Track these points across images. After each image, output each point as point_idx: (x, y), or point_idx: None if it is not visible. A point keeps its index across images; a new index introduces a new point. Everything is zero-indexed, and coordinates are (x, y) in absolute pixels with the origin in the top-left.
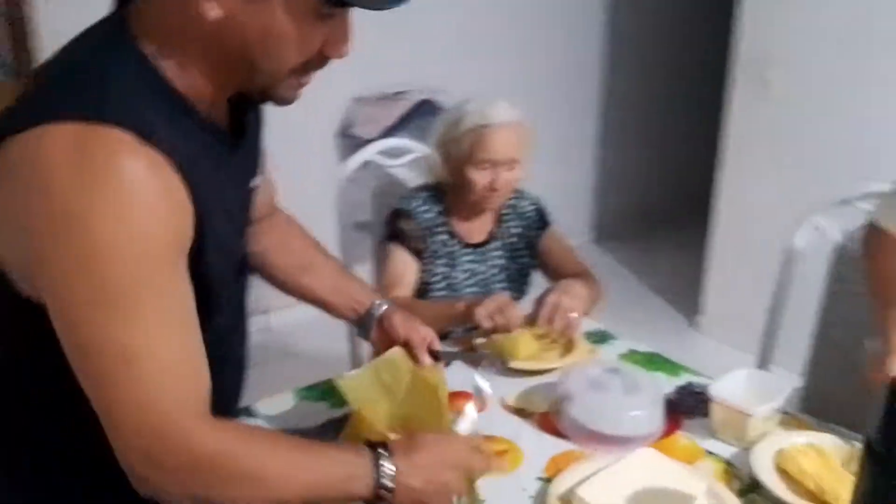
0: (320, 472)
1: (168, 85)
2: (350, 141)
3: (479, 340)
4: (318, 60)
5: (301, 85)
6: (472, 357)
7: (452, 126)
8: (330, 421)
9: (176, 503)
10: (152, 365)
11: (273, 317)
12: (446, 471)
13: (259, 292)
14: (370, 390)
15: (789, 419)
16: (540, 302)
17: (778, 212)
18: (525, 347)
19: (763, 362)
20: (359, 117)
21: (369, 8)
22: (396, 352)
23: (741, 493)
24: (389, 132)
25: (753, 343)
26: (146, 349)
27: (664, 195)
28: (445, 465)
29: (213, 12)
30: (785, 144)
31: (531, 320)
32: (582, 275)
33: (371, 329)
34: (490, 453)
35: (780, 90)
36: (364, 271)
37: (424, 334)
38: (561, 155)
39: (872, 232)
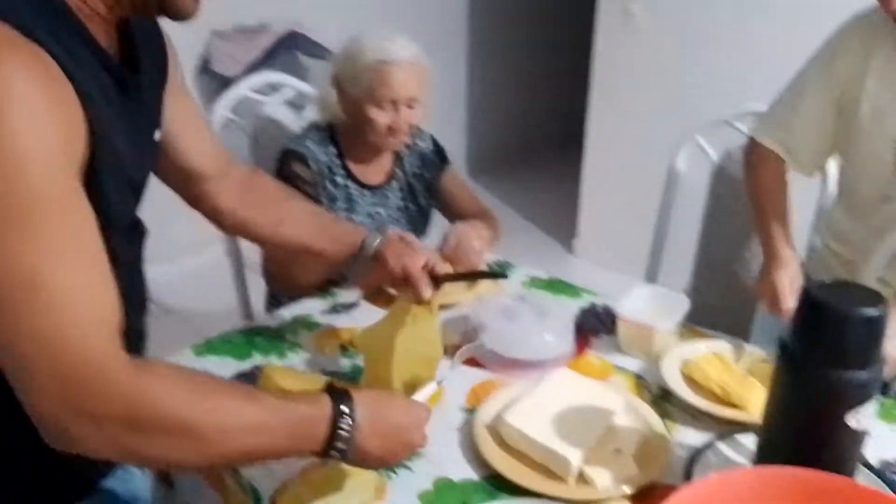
0: (275, 426)
1: None
2: (212, 78)
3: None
4: None
5: None
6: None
7: (350, 62)
8: (240, 374)
9: (102, 457)
10: (64, 291)
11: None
12: (403, 443)
13: None
14: (381, 341)
15: (687, 331)
16: (446, 238)
17: (649, 136)
18: None
19: (650, 280)
20: (218, 53)
21: None
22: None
23: (652, 404)
24: (254, 68)
25: (628, 263)
26: (56, 273)
27: (536, 127)
28: (404, 437)
29: None
30: (651, 73)
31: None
32: (482, 214)
33: (364, 268)
34: None
35: (644, 20)
36: None
37: (422, 263)
38: (432, 91)
39: (753, 146)
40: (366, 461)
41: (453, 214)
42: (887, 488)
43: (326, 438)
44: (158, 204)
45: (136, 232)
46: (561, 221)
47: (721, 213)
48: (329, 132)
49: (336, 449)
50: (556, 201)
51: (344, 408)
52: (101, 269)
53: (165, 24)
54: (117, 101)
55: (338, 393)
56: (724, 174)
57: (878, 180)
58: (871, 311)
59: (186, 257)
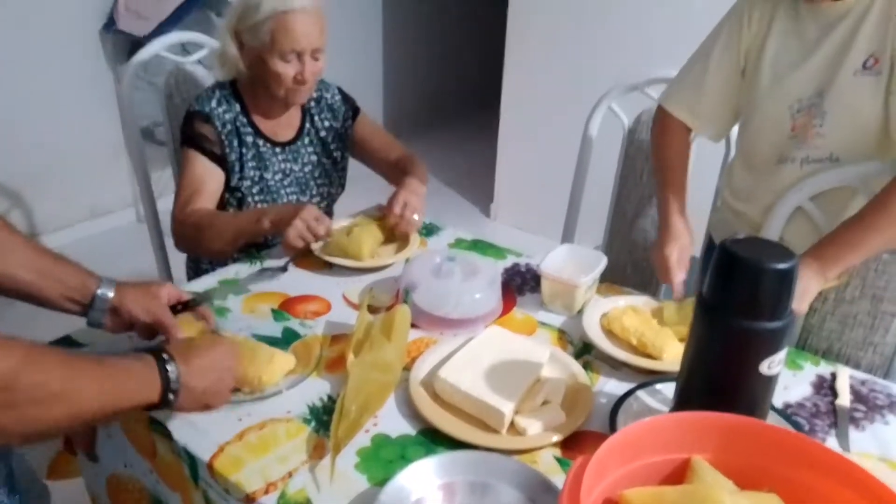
0: (115, 384)
1: None
2: (118, 37)
3: (316, 246)
4: None
5: None
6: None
7: (248, 13)
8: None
9: None
10: None
11: None
12: (220, 371)
13: None
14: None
15: (605, 287)
16: (391, 205)
17: (562, 99)
18: (367, 246)
19: (566, 240)
20: (124, 10)
21: None
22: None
23: (576, 356)
24: (163, 27)
25: (543, 225)
26: None
27: (451, 89)
28: (218, 366)
29: None
30: (563, 39)
31: (380, 219)
32: (407, 158)
33: (103, 318)
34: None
35: None
36: (161, 179)
37: (166, 303)
38: (347, 51)
39: (661, 115)
40: (194, 397)
41: (375, 161)
42: (792, 428)
43: (161, 384)
44: (60, 165)
45: None
46: (478, 185)
47: (632, 174)
48: (232, 89)
49: (171, 391)
50: (474, 165)
51: (165, 356)
52: None
53: None
54: None
55: (156, 349)
56: (635, 137)
57: (777, 141)
58: (782, 265)
59: (96, 222)
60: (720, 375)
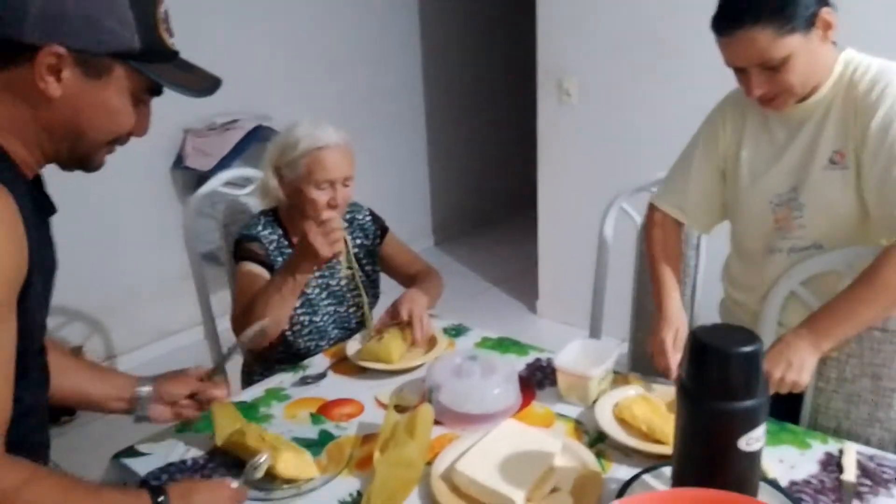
0: None
1: (2, 147)
2: (186, 173)
3: (350, 351)
4: (127, 136)
5: (110, 153)
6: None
7: (287, 150)
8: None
9: None
10: None
11: None
12: None
13: None
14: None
15: (620, 378)
16: (396, 309)
17: (590, 201)
18: (396, 350)
19: (594, 333)
20: (190, 149)
21: (188, 94)
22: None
23: (590, 445)
24: (224, 161)
25: (584, 318)
26: None
27: (492, 197)
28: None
29: (55, 91)
30: (586, 143)
31: (393, 325)
32: (424, 272)
33: (147, 411)
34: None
35: (577, 97)
36: (219, 300)
37: (198, 384)
38: (396, 170)
39: (652, 210)
40: None
41: (399, 275)
42: (790, 502)
43: None
44: (133, 293)
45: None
46: (523, 283)
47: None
48: (274, 216)
49: None
50: (517, 265)
51: (162, 497)
52: (8, 378)
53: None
54: (38, 234)
55: (153, 488)
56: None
57: (763, 235)
58: (747, 349)
59: (167, 342)
60: (704, 455)
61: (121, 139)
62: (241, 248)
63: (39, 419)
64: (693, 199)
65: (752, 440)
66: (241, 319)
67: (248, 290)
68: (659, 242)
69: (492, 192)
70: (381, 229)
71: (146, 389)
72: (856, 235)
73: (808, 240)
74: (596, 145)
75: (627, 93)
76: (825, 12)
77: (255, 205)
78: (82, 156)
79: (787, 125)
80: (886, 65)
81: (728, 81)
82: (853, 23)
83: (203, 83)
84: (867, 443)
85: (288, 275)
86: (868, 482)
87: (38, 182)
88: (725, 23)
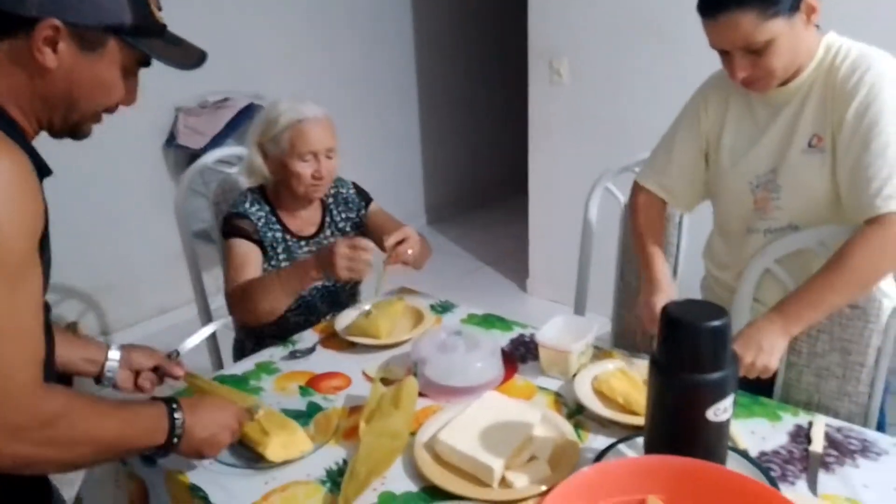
0: (133, 427)
1: (7, 112)
2: (178, 151)
3: (339, 327)
4: (116, 106)
5: (98, 122)
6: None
7: (269, 127)
8: None
9: (33, 470)
10: (11, 331)
11: None
12: (220, 428)
13: None
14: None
15: (600, 353)
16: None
17: (580, 182)
18: (384, 326)
19: (578, 311)
20: (183, 128)
21: (176, 67)
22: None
23: (569, 416)
24: (217, 140)
25: (573, 297)
26: (14, 318)
27: (484, 177)
28: (220, 424)
29: (51, 62)
30: (576, 124)
31: (395, 302)
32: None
33: (116, 375)
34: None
35: (568, 78)
36: (213, 278)
37: (163, 359)
38: (389, 150)
39: (637, 190)
40: (192, 445)
41: (383, 245)
42: (756, 470)
43: (168, 430)
44: (127, 270)
45: None
46: (514, 262)
47: (631, 246)
48: (260, 193)
49: (176, 436)
50: (509, 244)
51: (175, 406)
52: (41, 315)
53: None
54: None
55: (168, 399)
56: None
57: (743, 214)
58: (715, 323)
59: (162, 318)
60: (674, 425)
61: (110, 109)
62: (230, 224)
63: (46, 374)
64: (675, 178)
65: (720, 411)
66: (237, 299)
67: (241, 266)
68: (644, 219)
69: (484, 173)
70: (366, 200)
71: (116, 354)
72: (830, 218)
73: (784, 221)
74: (587, 126)
75: (619, 74)
76: None
77: (246, 182)
78: (73, 124)
79: (769, 107)
80: (866, 50)
81: (717, 63)
82: (835, 6)
83: (190, 57)
84: (836, 415)
85: (296, 274)
86: (835, 453)
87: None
88: (710, 6)
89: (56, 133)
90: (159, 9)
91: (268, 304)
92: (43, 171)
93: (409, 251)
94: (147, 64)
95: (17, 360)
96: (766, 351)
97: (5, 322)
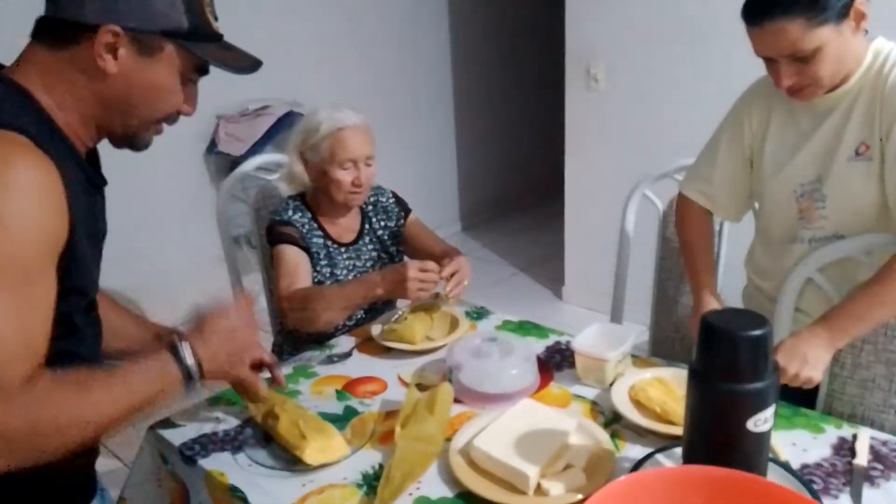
0: (126, 387)
1: (48, 116)
2: (219, 157)
3: (375, 332)
4: (176, 115)
5: (158, 133)
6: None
7: (309, 135)
8: (247, 419)
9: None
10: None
11: None
12: (235, 330)
13: None
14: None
15: (638, 361)
16: (444, 264)
17: (617, 188)
18: (419, 332)
19: (615, 318)
20: (223, 135)
21: (231, 72)
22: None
23: (605, 425)
24: (256, 147)
25: (609, 305)
26: (6, 319)
27: (519, 183)
28: (233, 325)
29: (112, 67)
30: (613, 129)
31: (431, 308)
32: (451, 252)
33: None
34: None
35: (605, 83)
36: (251, 282)
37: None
38: (424, 155)
39: (681, 199)
40: (217, 362)
41: (423, 257)
42: (798, 483)
43: (177, 366)
44: (166, 273)
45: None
46: (550, 269)
47: (670, 255)
48: (301, 200)
49: (190, 367)
50: (544, 251)
51: (175, 337)
52: (43, 325)
53: None
54: (87, 202)
55: (172, 345)
56: (670, 220)
57: (786, 224)
58: (756, 332)
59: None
60: (713, 435)
61: (170, 117)
62: (276, 231)
63: None
64: (719, 187)
65: (761, 421)
66: (296, 305)
67: (294, 272)
68: (692, 228)
69: (519, 179)
70: (405, 210)
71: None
72: (877, 228)
73: (830, 230)
74: (623, 131)
75: (656, 79)
76: (859, 3)
77: (286, 189)
78: (133, 132)
79: (813, 114)
80: None
81: (757, 69)
82: (884, 8)
83: (245, 62)
84: (881, 428)
85: (362, 291)
86: (880, 466)
87: (93, 156)
88: (756, 13)
89: (116, 141)
90: (215, 19)
91: (328, 315)
92: (95, 182)
93: (466, 282)
94: (205, 71)
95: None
96: (809, 363)
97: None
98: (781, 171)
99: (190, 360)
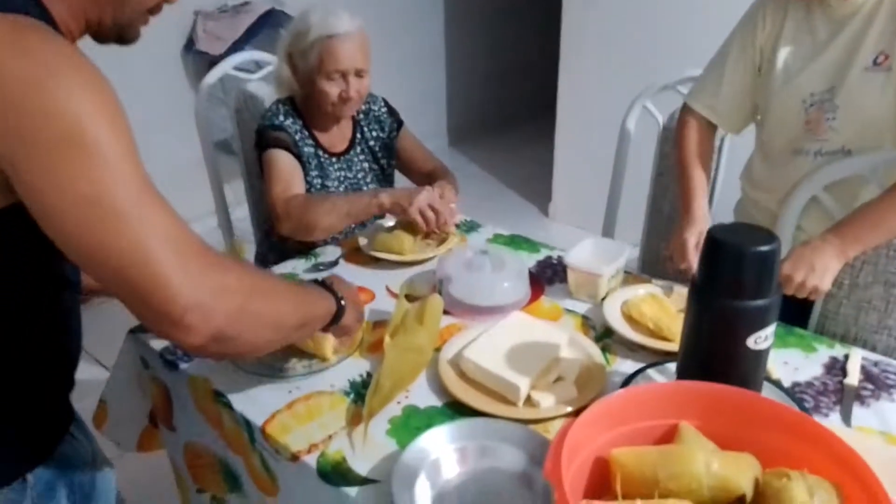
0: (308, 307)
1: (47, 11)
2: (197, 57)
3: (363, 242)
4: (159, 5)
5: (145, 23)
6: None
7: (298, 38)
8: None
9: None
10: (163, 208)
11: None
12: (357, 297)
13: None
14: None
15: (630, 277)
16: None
17: (612, 102)
18: (408, 242)
19: (606, 234)
20: (202, 33)
21: None
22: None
23: (597, 340)
24: (237, 46)
25: (596, 222)
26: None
27: (511, 98)
28: (355, 293)
29: None
30: (612, 41)
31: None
32: (441, 171)
33: None
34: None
35: None
36: (233, 190)
37: None
38: (412, 66)
39: (685, 111)
40: (353, 316)
41: (413, 172)
42: (790, 400)
43: (336, 305)
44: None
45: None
46: (537, 187)
47: (667, 171)
48: (291, 105)
49: (338, 299)
50: (532, 168)
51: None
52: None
53: None
54: None
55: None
56: (669, 135)
57: (791, 135)
58: (762, 248)
59: None
60: (712, 351)
61: (157, 7)
62: (269, 136)
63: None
64: (725, 99)
65: (761, 339)
66: (294, 212)
67: (288, 179)
68: (691, 144)
69: (510, 92)
70: (397, 121)
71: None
72: (886, 142)
73: (837, 143)
74: (621, 42)
75: None
76: None
77: (267, 92)
78: (123, 24)
79: (832, 20)
80: None
81: None
82: None
83: None
84: (874, 349)
85: (366, 198)
86: (870, 386)
87: None
88: None
89: (105, 34)
90: None
91: (329, 221)
92: None
93: (453, 206)
94: None
95: (185, 228)
96: (817, 271)
97: (148, 190)
98: (792, 80)
99: (342, 297)
